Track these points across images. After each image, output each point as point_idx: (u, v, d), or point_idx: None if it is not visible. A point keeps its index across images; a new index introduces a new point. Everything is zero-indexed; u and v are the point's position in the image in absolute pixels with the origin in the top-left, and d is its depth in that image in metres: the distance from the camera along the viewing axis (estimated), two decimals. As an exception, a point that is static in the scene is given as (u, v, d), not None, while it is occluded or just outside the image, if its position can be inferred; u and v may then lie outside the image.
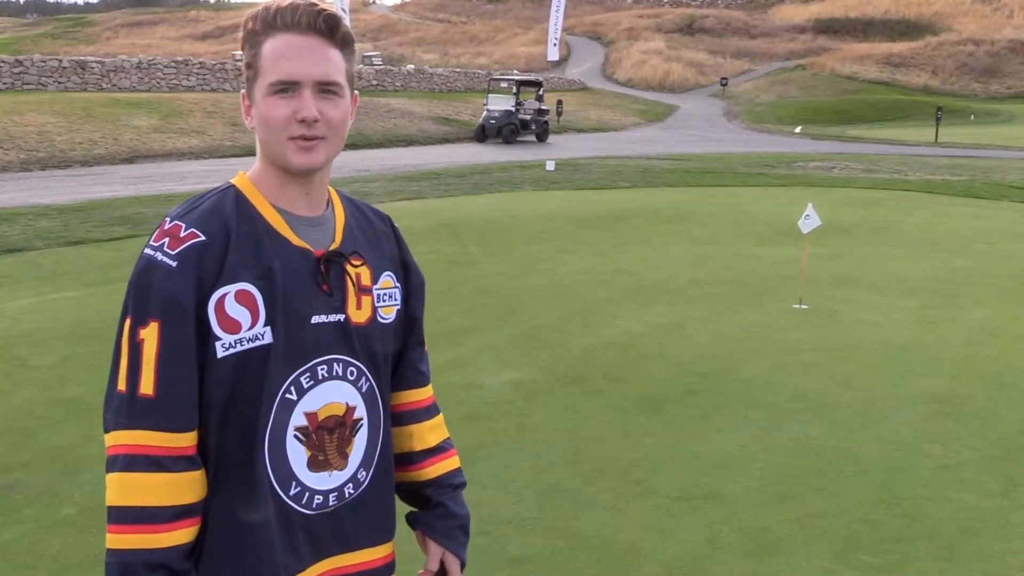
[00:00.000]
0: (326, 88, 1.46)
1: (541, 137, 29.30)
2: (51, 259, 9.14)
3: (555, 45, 48.62)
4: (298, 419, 1.49)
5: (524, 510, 3.93)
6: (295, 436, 1.49)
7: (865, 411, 5.24)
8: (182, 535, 1.41)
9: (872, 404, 5.36)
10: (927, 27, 64.35)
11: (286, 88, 1.44)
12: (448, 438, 1.78)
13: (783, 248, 10.35)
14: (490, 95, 29.38)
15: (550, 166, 19.41)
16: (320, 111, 1.45)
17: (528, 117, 28.91)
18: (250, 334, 1.44)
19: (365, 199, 12.35)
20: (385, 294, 1.61)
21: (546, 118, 29.83)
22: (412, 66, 42.92)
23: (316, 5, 1.46)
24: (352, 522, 1.57)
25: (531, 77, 35.02)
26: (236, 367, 1.44)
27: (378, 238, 1.65)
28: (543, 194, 15.57)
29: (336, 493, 1.54)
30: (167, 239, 1.43)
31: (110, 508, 1.41)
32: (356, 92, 1.57)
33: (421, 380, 1.74)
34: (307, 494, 1.51)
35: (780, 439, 4.80)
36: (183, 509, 1.41)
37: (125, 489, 1.40)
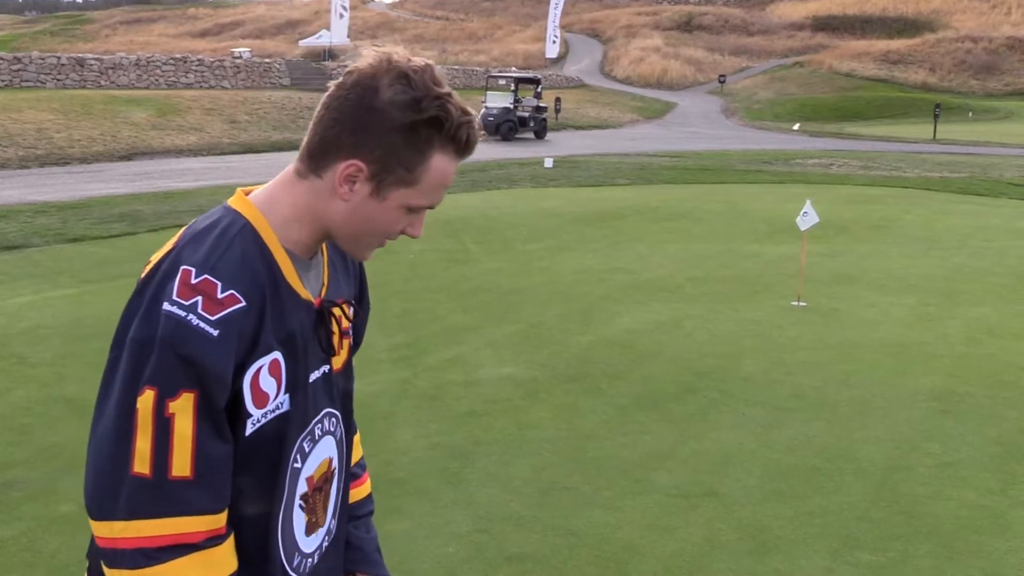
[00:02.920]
0: None
1: (539, 134, 29.27)
2: (49, 256, 9.12)
3: (554, 42, 48.62)
4: (302, 487, 1.38)
5: (523, 508, 3.93)
6: (299, 505, 1.38)
7: (864, 409, 5.24)
8: None
9: (871, 402, 5.36)
10: (925, 24, 64.30)
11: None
12: (363, 457, 1.70)
13: (781, 245, 10.35)
14: (488, 92, 29.35)
15: (548, 163, 19.39)
16: None
17: (526, 114, 28.88)
18: (273, 405, 1.29)
19: (363, 196, 12.28)
20: (352, 326, 1.50)
21: (544, 115, 29.77)
22: (410, 63, 42.72)
23: (476, 123, 1.32)
24: (324, 570, 1.49)
25: (529, 74, 34.89)
26: (257, 442, 1.28)
27: (346, 264, 1.51)
28: (541, 191, 15.56)
29: (318, 550, 1.46)
30: (200, 299, 1.19)
31: None
32: None
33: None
34: (304, 561, 1.42)
35: (779, 437, 4.80)
36: None
37: None
